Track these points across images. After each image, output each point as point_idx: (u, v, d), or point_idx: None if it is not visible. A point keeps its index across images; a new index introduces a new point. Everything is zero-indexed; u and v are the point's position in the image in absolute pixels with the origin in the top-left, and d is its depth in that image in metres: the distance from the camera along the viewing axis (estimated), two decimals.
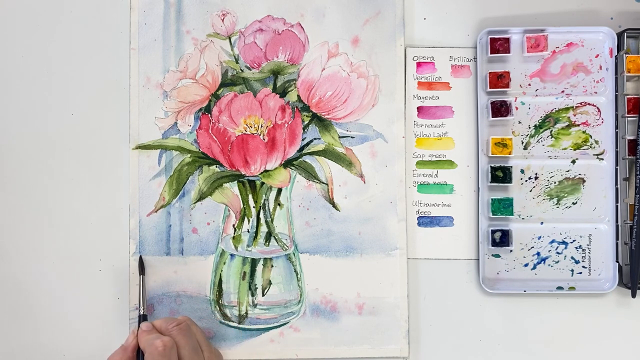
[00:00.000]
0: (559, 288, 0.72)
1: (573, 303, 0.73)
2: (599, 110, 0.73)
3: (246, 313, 0.73)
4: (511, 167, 0.72)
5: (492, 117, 0.72)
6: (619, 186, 0.73)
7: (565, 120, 0.73)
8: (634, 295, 0.71)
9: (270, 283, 0.73)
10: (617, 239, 0.72)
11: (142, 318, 0.69)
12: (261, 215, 0.73)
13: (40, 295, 0.73)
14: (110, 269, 0.73)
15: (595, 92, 0.73)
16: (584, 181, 0.73)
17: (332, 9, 0.74)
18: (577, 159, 0.73)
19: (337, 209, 0.73)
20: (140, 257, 0.72)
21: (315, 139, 0.73)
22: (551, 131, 0.73)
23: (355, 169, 0.73)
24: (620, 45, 0.73)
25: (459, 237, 0.73)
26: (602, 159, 0.73)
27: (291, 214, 0.73)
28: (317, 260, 0.73)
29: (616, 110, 0.73)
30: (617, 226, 0.72)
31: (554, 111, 0.73)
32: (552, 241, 0.73)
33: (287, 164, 0.73)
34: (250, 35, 0.74)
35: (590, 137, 0.73)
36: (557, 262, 0.73)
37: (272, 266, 0.73)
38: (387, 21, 0.74)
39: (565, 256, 0.73)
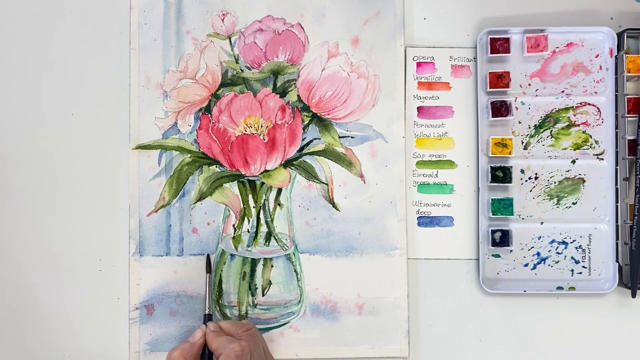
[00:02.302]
0: (559, 288, 0.72)
1: (573, 303, 0.73)
2: (599, 110, 0.73)
3: (246, 313, 0.73)
4: (511, 167, 0.72)
5: (492, 117, 0.72)
6: (619, 186, 0.73)
7: (565, 120, 0.73)
8: (634, 295, 0.71)
9: (270, 283, 0.73)
10: (617, 239, 0.72)
11: (208, 317, 0.69)
12: (261, 215, 0.73)
13: (40, 295, 0.73)
14: (110, 269, 0.73)
15: (595, 92, 0.73)
16: (584, 181, 0.73)
17: (332, 9, 0.74)
18: (577, 159, 0.73)
19: (337, 209, 0.73)
20: (208, 256, 0.72)
21: (315, 139, 0.73)
22: (551, 131, 0.73)
23: (355, 169, 0.73)
24: (620, 45, 0.73)
25: (459, 237, 0.73)
26: (602, 159, 0.73)
27: (291, 214, 0.73)
28: (317, 260, 0.73)
29: (616, 110, 0.73)
30: (617, 226, 0.72)
31: (554, 111, 0.73)
32: (552, 241, 0.73)
33: (287, 164, 0.73)
34: (250, 35, 0.74)
35: (590, 137, 0.73)
36: (557, 262, 0.73)
37: (272, 266, 0.73)
38: (387, 21, 0.74)
39: (565, 256, 0.73)
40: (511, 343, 0.73)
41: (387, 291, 0.72)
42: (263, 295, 0.73)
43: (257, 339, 0.67)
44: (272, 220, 0.73)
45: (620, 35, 0.73)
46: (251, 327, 0.68)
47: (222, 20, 0.74)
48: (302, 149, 0.73)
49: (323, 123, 0.73)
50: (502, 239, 0.72)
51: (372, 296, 0.72)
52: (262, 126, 0.73)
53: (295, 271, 0.73)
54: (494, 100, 0.73)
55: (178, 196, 0.73)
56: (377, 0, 0.74)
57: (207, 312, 0.69)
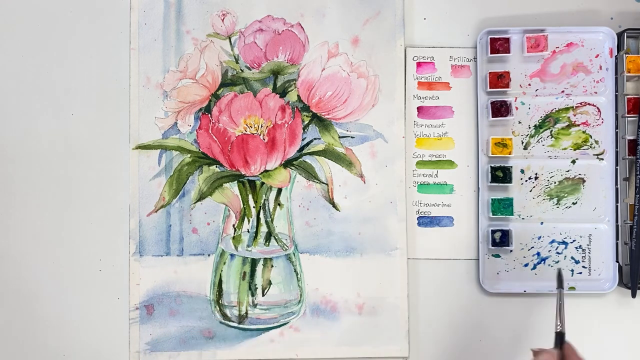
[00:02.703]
0: None
1: (573, 303, 0.73)
2: (599, 110, 0.73)
3: (246, 313, 0.73)
4: (511, 167, 0.72)
5: (492, 117, 0.72)
6: (619, 186, 0.73)
7: (565, 120, 0.73)
8: (634, 295, 0.71)
9: (270, 283, 0.73)
10: (617, 239, 0.72)
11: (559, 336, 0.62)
12: (261, 215, 0.73)
13: (40, 295, 0.73)
14: (110, 269, 0.73)
15: (595, 92, 0.73)
16: (584, 181, 0.73)
17: (332, 9, 0.74)
18: (577, 159, 0.73)
19: (337, 209, 0.73)
20: (559, 270, 0.66)
21: (315, 139, 0.73)
22: (551, 131, 0.73)
23: (355, 169, 0.73)
24: (620, 45, 0.73)
25: (459, 237, 0.73)
26: (602, 159, 0.73)
27: (291, 214, 0.73)
28: (317, 260, 0.73)
29: (616, 110, 0.73)
30: (617, 226, 0.72)
31: (554, 111, 0.73)
32: (552, 241, 0.73)
33: (287, 164, 0.73)
34: (250, 35, 0.74)
35: (590, 137, 0.73)
36: (557, 262, 0.73)
37: (272, 266, 0.73)
38: (387, 21, 0.74)
39: (565, 256, 0.73)
40: (511, 343, 0.73)
41: (387, 291, 0.72)
42: (263, 295, 0.73)
43: None
44: (272, 220, 0.73)
45: (620, 35, 0.73)
46: None
47: (222, 20, 0.74)
48: (302, 149, 0.73)
49: (323, 123, 0.73)
50: (502, 239, 0.72)
51: (372, 296, 0.72)
52: (262, 126, 0.73)
53: (295, 271, 0.73)
54: (494, 100, 0.73)
55: (178, 196, 0.73)
56: (377, 0, 0.74)
57: (558, 330, 0.62)
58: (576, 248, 0.73)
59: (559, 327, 0.62)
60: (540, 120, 0.73)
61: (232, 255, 0.73)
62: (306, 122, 0.73)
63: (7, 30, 0.75)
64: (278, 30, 0.74)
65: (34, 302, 0.73)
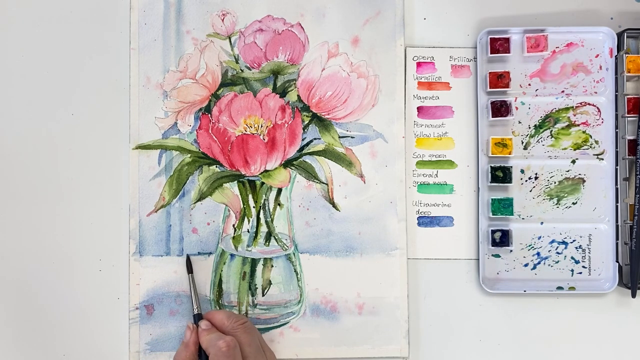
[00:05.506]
0: (559, 288, 0.72)
1: (573, 303, 0.73)
2: (599, 110, 0.73)
3: (246, 313, 0.73)
4: (511, 167, 0.72)
5: (492, 117, 0.72)
6: (619, 186, 0.73)
7: (565, 120, 0.73)
8: (634, 295, 0.71)
9: (270, 283, 0.73)
10: (617, 239, 0.72)
11: (198, 317, 0.69)
12: (261, 215, 0.73)
13: (40, 295, 0.73)
14: (110, 269, 0.73)
15: (595, 92, 0.73)
16: (584, 181, 0.73)
17: (332, 9, 0.74)
18: (577, 159, 0.73)
19: (337, 209, 0.73)
20: (188, 256, 0.72)
21: (315, 139, 0.73)
22: (551, 131, 0.73)
23: (355, 169, 0.73)
24: (620, 45, 0.73)
25: (459, 237, 0.73)
26: (602, 159, 0.73)
27: (291, 214, 0.73)
28: (317, 260, 0.73)
29: (616, 110, 0.73)
30: (617, 226, 0.72)
31: (554, 111, 0.73)
32: (552, 241, 0.73)
33: (287, 164, 0.73)
34: (250, 35, 0.74)
35: (590, 137, 0.73)
36: (557, 262, 0.73)
37: (272, 266, 0.73)
38: (387, 21, 0.74)
39: (565, 256, 0.73)
40: (511, 343, 0.73)
41: (387, 291, 0.72)
42: (263, 295, 0.73)
43: (252, 331, 0.67)
44: (272, 220, 0.73)
45: (620, 35, 0.73)
46: (246, 321, 0.68)
47: (222, 20, 0.74)
48: (302, 149, 0.73)
49: (323, 123, 0.73)
50: (502, 239, 0.72)
51: (372, 296, 0.72)
52: (262, 126, 0.73)
53: (295, 271, 0.73)
54: (494, 100, 0.73)
55: (178, 196, 0.73)
56: (377, 0, 0.74)
57: (195, 312, 0.69)
58: (576, 248, 0.73)
59: (196, 309, 0.70)
60: (540, 120, 0.73)
61: (232, 255, 0.73)
62: (306, 122, 0.73)
63: (7, 30, 0.75)
64: (278, 30, 0.74)
65: (34, 302, 0.73)
